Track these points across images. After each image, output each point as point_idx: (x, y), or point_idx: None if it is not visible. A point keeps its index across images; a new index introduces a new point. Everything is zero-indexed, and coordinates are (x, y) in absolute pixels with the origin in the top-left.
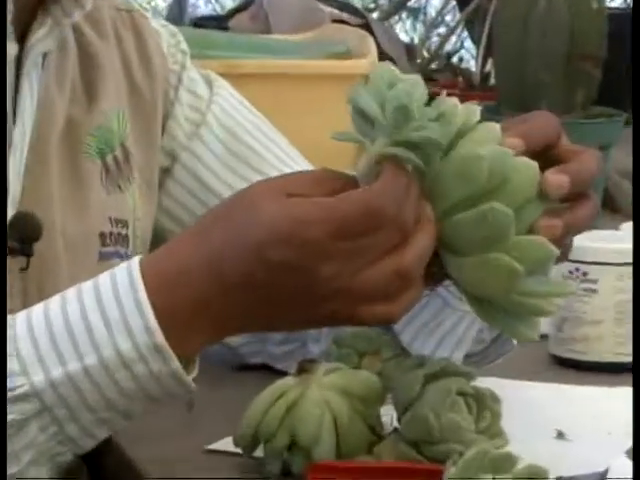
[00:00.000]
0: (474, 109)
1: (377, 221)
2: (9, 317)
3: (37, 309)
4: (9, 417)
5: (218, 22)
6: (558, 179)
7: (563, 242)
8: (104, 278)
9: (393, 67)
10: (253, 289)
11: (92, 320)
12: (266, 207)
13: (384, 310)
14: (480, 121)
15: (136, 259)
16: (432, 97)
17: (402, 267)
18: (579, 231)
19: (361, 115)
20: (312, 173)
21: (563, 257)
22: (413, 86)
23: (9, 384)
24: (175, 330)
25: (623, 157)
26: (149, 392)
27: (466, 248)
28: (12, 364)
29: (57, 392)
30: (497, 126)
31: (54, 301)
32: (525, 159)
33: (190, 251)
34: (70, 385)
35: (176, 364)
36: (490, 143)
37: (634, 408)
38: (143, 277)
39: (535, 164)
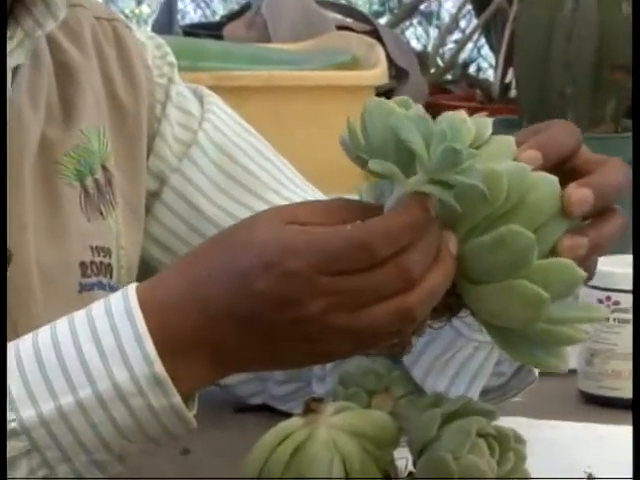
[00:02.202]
0: (485, 122)
1: (367, 258)
2: None
3: (24, 341)
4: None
5: (211, 30)
6: (581, 194)
7: (587, 262)
8: (98, 306)
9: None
10: (240, 320)
11: (86, 351)
12: (261, 233)
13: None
14: (492, 134)
15: (133, 286)
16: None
17: (404, 308)
18: (605, 250)
19: (399, 145)
20: (325, 202)
21: (588, 278)
22: (461, 123)
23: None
24: (173, 363)
25: None
26: (147, 430)
27: (485, 275)
28: None
29: (48, 429)
30: (511, 139)
31: (43, 332)
32: (544, 174)
33: (181, 278)
34: (62, 422)
35: (177, 397)
36: (505, 158)
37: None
38: (140, 305)
39: (555, 179)
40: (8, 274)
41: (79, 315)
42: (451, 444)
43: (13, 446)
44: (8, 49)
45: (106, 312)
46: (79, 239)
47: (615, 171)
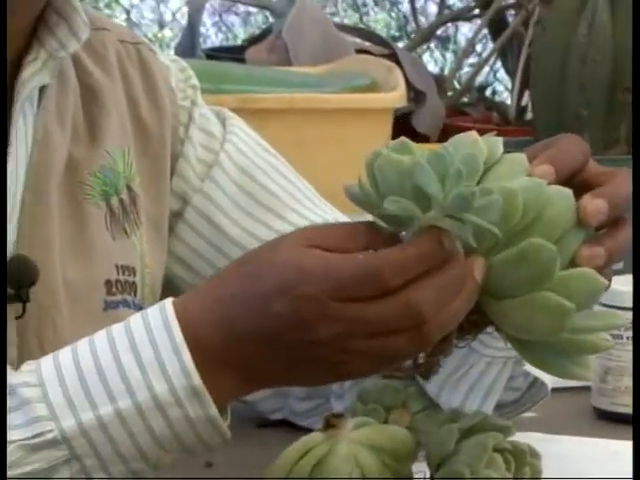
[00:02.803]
0: (496, 141)
1: (377, 287)
2: (30, 365)
3: (64, 353)
4: (30, 467)
5: (233, 54)
6: (596, 205)
7: (606, 271)
8: (135, 319)
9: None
10: (263, 340)
11: (125, 362)
12: (282, 256)
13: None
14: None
15: (169, 300)
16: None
17: (419, 335)
18: (621, 258)
19: (416, 186)
20: (348, 226)
21: (608, 285)
22: (474, 156)
23: (32, 430)
24: (207, 375)
25: None
26: (183, 440)
27: (508, 290)
28: (39, 409)
29: (88, 438)
30: (523, 156)
31: (82, 344)
32: (559, 188)
33: (210, 297)
34: (101, 431)
35: (213, 408)
36: (518, 175)
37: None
38: (178, 320)
39: (570, 192)
40: (35, 291)
41: (117, 328)
42: (468, 459)
43: (53, 455)
44: (32, 70)
45: (144, 325)
46: (105, 258)
47: (626, 182)
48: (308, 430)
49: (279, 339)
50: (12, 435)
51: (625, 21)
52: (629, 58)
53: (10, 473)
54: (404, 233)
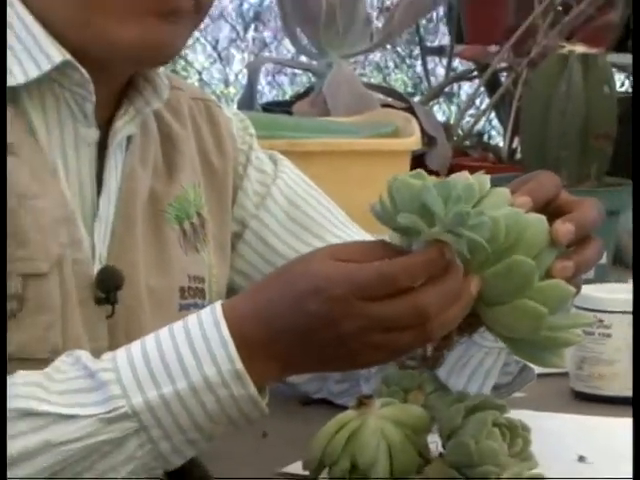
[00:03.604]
0: (485, 178)
1: (390, 287)
2: (108, 355)
3: (135, 345)
4: (106, 436)
5: (283, 107)
6: (565, 227)
7: (575, 280)
8: (192, 318)
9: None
10: (298, 333)
11: (183, 352)
12: (314, 266)
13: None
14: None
15: (218, 302)
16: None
17: (425, 334)
18: (588, 269)
19: (423, 205)
20: (366, 243)
21: (577, 292)
22: (472, 186)
23: (108, 406)
24: (249, 362)
25: (631, 221)
26: (230, 414)
27: (497, 298)
28: (114, 389)
29: (153, 413)
30: (506, 190)
31: (149, 338)
32: (535, 215)
33: (252, 300)
34: (164, 407)
35: (253, 388)
36: (503, 205)
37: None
38: (224, 317)
39: (543, 218)
40: (123, 295)
41: (177, 324)
42: (472, 431)
43: (125, 426)
44: (123, 122)
45: (198, 322)
46: (179, 269)
47: (590, 208)
48: (343, 408)
49: (312, 333)
50: (91, 410)
51: (595, 82)
52: (598, 111)
53: (89, 441)
54: (414, 246)
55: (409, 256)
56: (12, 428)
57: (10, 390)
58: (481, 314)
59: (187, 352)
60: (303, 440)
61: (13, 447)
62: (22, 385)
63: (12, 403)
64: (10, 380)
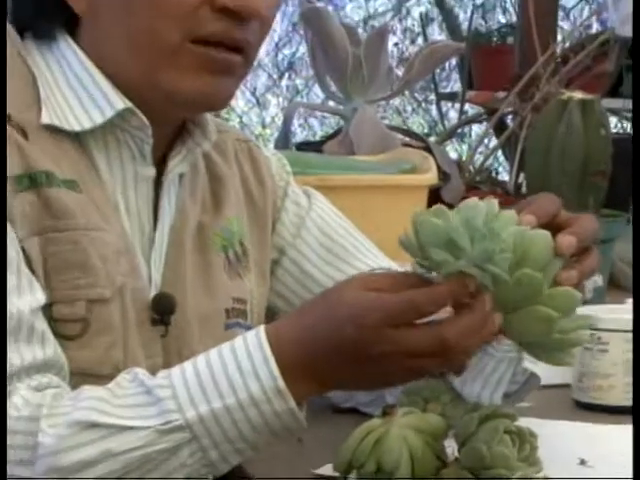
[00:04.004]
0: (493, 202)
1: (416, 314)
2: (163, 372)
3: (187, 364)
4: (162, 445)
5: (314, 147)
6: (568, 240)
7: (579, 287)
8: (238, 340)
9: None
10: (334, 355)
11: (230, 371)
12: (350, 295)
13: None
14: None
15: (262, 327)
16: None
17: (446, 360)
18: (590, 276)
19: (451, 241)
20: (394, 274)
21: (582, 297)
22: (498, 229)
23: (164, 419)
24: (289, 380)
25: (625, 248)
26: (272, 426)
27: (511, 306)
28: (169, 404)
29: (204, 425)
30: (513, 212)
31: (200, 358)
32: (540, 231)
33: (294, 324)
34: (214, 420)
35: (293, 403)
36: (511, 225)
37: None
38: (267, 339)
39: (547, 233)
40: (175, 318)
41: (225, 346)
42: (485, 438)
43: (179, 437)
44: (176, 162)
45: (244, 344)
46: (224, 293)
47: (588, 222)
48: (369, 416)
49: (346, 355)
50: (149, 422)
51: (592, 124)
52: (595, 151)
53: (147, 450)
54: (434, 274)
55: (435, 286)
56: (74, 439)
57: (74, 403)
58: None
59: (234, 371)
60: (334, 444)
61: (74, 456)
62: (86, 399)
63: (75, 415)
64: (74, 394)
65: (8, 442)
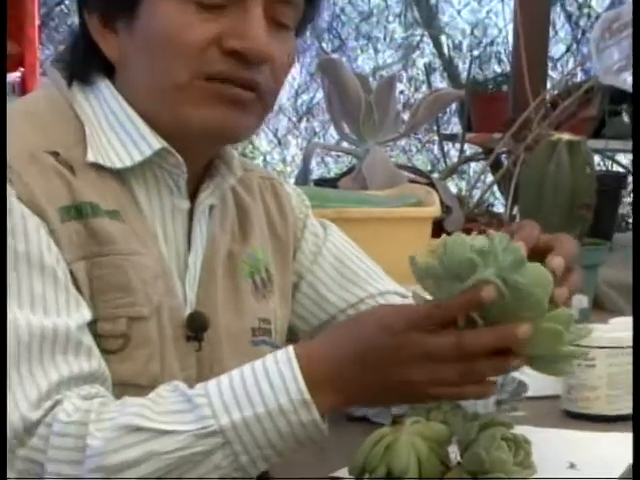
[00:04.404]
0: (504, 235)
1: (442, 317)
2: (200, 384)
3: (223, 377)
4: (198, 448)
5: (331, 183)
6: (557, 261)
7: (569, 302)
8: (269, 357)
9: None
10: (361, 365)
11: (261, 384)
12: (376, 313)
13: (452, 392)
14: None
15: (291, 347)
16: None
17: (467, 375)
18: (576, 292)
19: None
20: (409, 308)
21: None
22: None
23: (200, 424)
24: (315, 393)
25: (608, 273)
26: (297, 436)
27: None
28: (206, 411)
29: (236, 431)
30: (520, 246)
31: (235, 372)
32: (534, 264)
33: (323, 345)
34: (245, 427)
35: (317, 415)
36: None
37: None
38: (296, 356)
39: (538, 264)
40: (208, 334)
41: (258, 362)
42: (485, 444)
43: (213, 441)
44: (206, 195)
45: (274, 361)
46: (251, 313)
47: (568, 243)
48: (379, 424)
49: (372, 364)
50: (187, 427)
51: (578, 163)
52: (581, 187)
53: (185, 452)
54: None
55: (457, 295)
56: (120, 441)
57: (120, 410)
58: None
59: (265, 384)
60: (348, 450)
61: (119, 457)
62: (130, 406)
63: (121, 420)
64: (119, 402)
65: (58, 443)
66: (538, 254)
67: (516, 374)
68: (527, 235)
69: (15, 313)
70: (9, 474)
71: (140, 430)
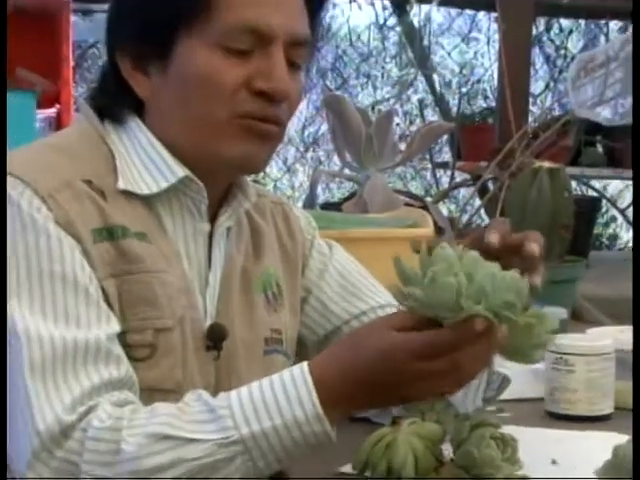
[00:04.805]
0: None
1: (435, 354)
2: (223, 395)
3: (243, 389)
4: (220, 456)
5: (335, 206)
6: (533, 246)
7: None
8: (286, 373)
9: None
10: (369, 385)
11: (279, 397)
12: (377, 336)
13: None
14: None
15: (305, 362)
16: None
17: (459, 381)
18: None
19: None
20: (411, 317)
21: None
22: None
23: (223, 434)
24: (327, 405)
25: (585, 287)
26: (310, 442)
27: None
28: (228, 422)
29: (255, 441)
30: (477, 254)
31: (254, 386)
32: (509, 273)
33: (332, 361)
34: (263, 437)
35: (329, 427)
36: (481, 266)
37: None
38: (310, 372)
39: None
40: (226, 344)
41: (275, 376)
42: (475, 442)
43: (234, 449)
44: (224, 218)
45: (290, 376)
46: (263, 325)
47: (537, 235)
48: (379, 424)
49: (378, 385)
50: (211, 436)
51: (558, 188)
52: (561, 209)
53: (208, 460)
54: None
55: (452, 331)
56: (151, 448)
57: (150, 417)
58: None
59: (282, 398)
60: (351, 448)
61: (151, 462)
62: (160, 415)
63: (152, 428)
64: (149, 409)
65: (93, 447)
66: (511, 248)
67: (499, 369)
68: (504, 230)
69: (51, 329)
70: (43, 471)
71: (169, 438)
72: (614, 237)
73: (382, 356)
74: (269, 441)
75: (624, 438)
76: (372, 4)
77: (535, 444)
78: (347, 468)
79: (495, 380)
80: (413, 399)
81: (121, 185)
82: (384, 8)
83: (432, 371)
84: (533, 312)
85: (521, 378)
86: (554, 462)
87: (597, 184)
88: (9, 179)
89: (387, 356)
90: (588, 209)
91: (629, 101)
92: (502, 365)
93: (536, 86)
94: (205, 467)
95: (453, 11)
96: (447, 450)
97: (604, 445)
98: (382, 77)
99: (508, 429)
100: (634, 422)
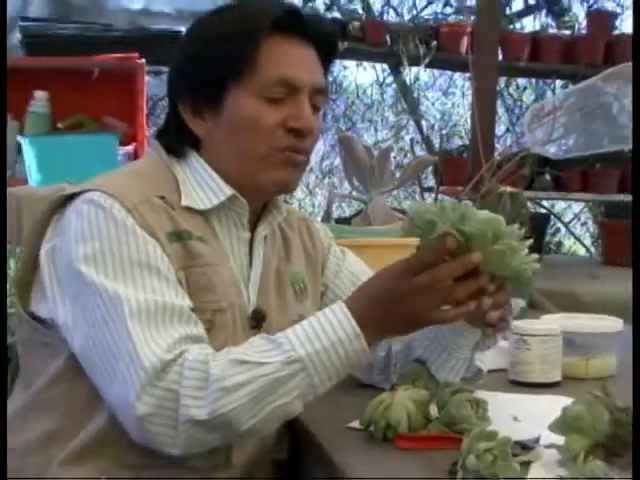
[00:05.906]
0: (468, 203)
1: (416, 269)
2: (280, 333)
3: (296, 325)
4: (284, 372)
5: (346, 221)
6: (492, 316)
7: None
8: (327, 309)
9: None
10: (381, 303)
11: (325, 326)
12: (382, 271)
13: (446, 316)
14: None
15: (340, 300)
16: None
17: (450, 297)
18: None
19: (436, 214)
20: (404, 260)
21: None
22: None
23: (284, 356)
24: (362, 327)
25: (539, 283)
26: (352, 360)
27: (486, 250)
28: (286, 346)
29: (310, 358)
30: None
31: (303, 322)
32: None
33: (358, 294)
34: (316, 355)
35: (365, 344)
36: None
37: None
38: (347, 306)
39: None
40: (265, 325)
41: (319, 312)
42: (455, 404)
43: (294, 367)
44: (262, 228)
45: (330, 310)
46: (292, 311)
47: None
48: (382, 390)
49: (387, 301)
50: (275, 358)
51: (518, 206)
52: (521, 223)
53: (275, 375)
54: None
55: (427, 250)
56: (233, 369)
57: (228, 351)
58: (481, 265)
59: (327, 325)
60: (358, 408)
61: (233, 380)
62: (234, 350)
63: (232, 356)
64: (225, 350)
65: (188, 375)
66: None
67: (478, 363)
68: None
69: (139, 297)
70: (150, 399)
71: (245, 363)
72: (559, 244)
73: (383, 281)
74: (320, 358)
75: (570, 400)
76: (374, 67)
77: (501, 405)
78: (355, 424)
79: (473, 370)
80: (421, 316)
81: (184, 202)
82: (383, 70)
83: (419, 286)
84: (506, 243)
85: (490, 354)
86: (516, 419)
87: (546, 204)
88: (97, 193)
89: (385, 279)
90: (540, 223)
91: (571, 140)
92: (480, 359)
93: (499, 129)
94: (273, 382)
95: (436, 72)
96: (433, 411)
97: (555, 406)
98: (382, 122)
99: (480, 394)
100: (634, 422)
